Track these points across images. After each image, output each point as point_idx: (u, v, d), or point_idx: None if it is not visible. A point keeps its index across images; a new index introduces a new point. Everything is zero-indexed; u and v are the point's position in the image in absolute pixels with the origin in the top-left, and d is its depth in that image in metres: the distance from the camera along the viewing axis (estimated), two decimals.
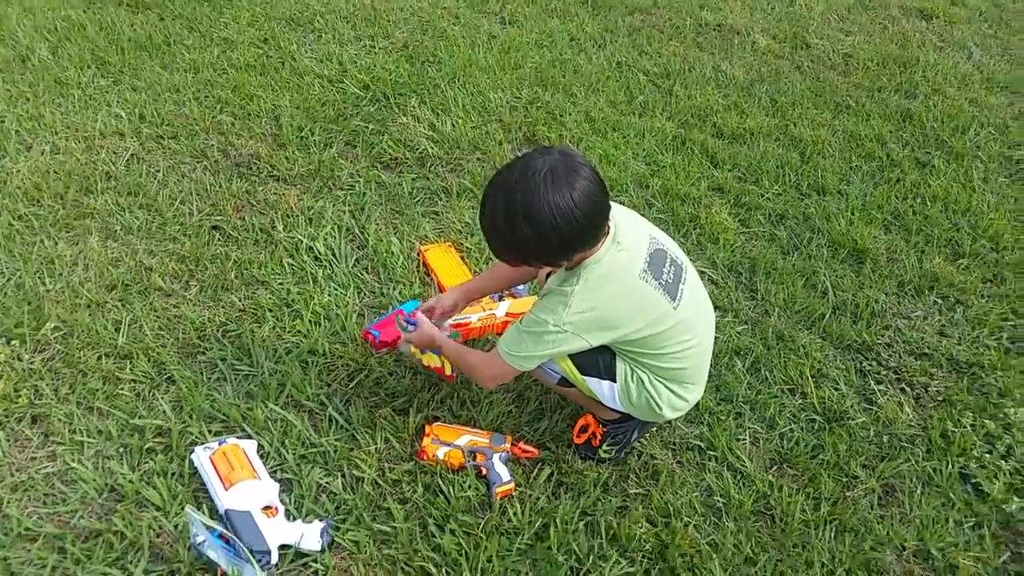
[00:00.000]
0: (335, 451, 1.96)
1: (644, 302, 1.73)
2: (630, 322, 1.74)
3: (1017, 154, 3.48)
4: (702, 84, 3.78)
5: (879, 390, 2.32)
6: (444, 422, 2.05)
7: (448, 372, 2.13)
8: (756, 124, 3.50)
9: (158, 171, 2.82)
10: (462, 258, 2.60)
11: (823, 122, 3.58)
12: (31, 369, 2.09)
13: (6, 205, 2.59)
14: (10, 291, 2.30)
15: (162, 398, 2.04)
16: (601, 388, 1.89)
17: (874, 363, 2.41)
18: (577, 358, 1.85)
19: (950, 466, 2.11)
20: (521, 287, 2.48)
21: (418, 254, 2.60)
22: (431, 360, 2.13)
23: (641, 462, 2.03)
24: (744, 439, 2.13)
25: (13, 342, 2.14)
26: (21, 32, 3.48)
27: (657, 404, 1.86)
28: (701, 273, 2.66)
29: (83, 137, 2.94)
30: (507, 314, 2.35)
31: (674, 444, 2.10)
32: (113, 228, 2.56)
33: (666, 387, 1.86)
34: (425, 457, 1.95)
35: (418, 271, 2.54)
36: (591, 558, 1.81)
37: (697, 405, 2.18)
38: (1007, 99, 3.94)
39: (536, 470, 1.99)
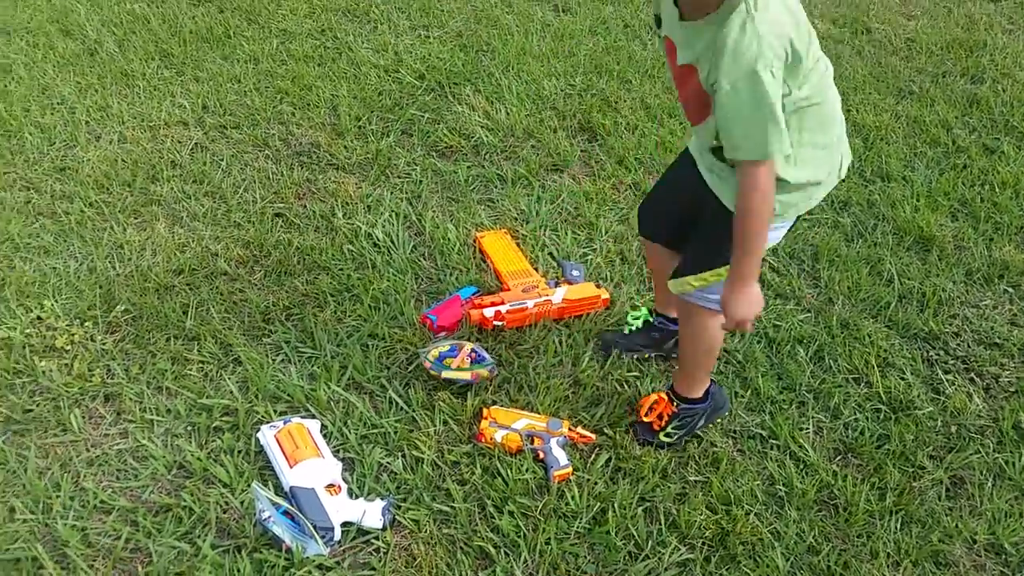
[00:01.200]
0: (395, 432, 1.98)
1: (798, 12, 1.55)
2: (799, 39, 1.51)
3: None
4: None
5: (947, 380, 2.26)
6: (502, 406, 2.06)
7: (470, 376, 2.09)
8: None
9: (222, 160, 2.88)
10: (518, 245, 2.60)
11: (886, 107, 3.49)
12: (103, 350, 2.15)
13: (78, 192, 2.67)
14: (83, 275, 2.37)
15: (229, 379, 2.08)
16: None
17: (942, 352, 2.35)
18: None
19: (1022, 459, 2.04)
20: (577, 273, 2.48)
21: (474, 241, 2.61)
22: (454, 374, 2.08)
23: (700, 449, 2.01)
24: (807, 428, 2.10)
25: (86, 324, 2.22)
26: (89, 26, 3.59)
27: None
28: (763, 260, 2.62)
29: (149, 126, 3.02)
30: (564, 300, 2.35)
31: (734, 432, 2.07)
32: (179, 215, 2.62)
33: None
34: (483, 440, 1.96)
35: (474, 257, 2.55)
36: (650, 543, 1.81)
37: (758, 393, 2.16)
38: None
39: (593, 455, 1.99)
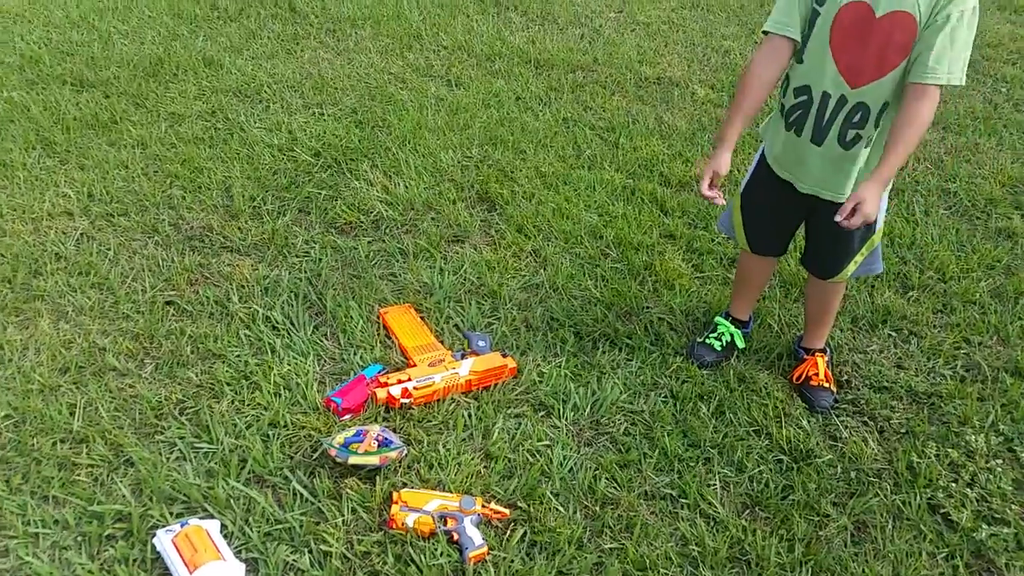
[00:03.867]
0: (301, 526, 1.91)
1: None
2: None
3: (952, 186, 3.62)
4: (646, 136, 3.87)
5: (842, 425, 2.35)
6: (412, 487, 2.02)
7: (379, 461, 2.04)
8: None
9: (109, 249, 2.78)
10: (422, 318, 2.59)
11: None
12: None
13: None
14: None
15: (121, 481, 1.97)
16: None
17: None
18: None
19: (918, 498, 2.13)
20: (483, 343, 2.48)
21: (378, 317, 2.58)
22: (361, 459, 2.03)
23: (615, 515, 2.02)
24: (715, 484, 2.13)
25: None
26: None
27: None
28: (660, 319, 2.69)
29: (30, 218, 2.90)
30: (471, 371, 2.34)
31: (646, 494, 2.09)
32: (65, 309, 2.50)
33: None
34: (394, 526, 1.91)
35: (379, 334, 2.52)
36: None
37: (666, 452, 2.19)
38: (939, 134, 4.10)
39: (509, 531, 1.96)
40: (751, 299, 2.63)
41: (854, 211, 1.93)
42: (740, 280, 2.62)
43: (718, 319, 2.61)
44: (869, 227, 2.20)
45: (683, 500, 2.08)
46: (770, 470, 2.19)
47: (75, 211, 2.95)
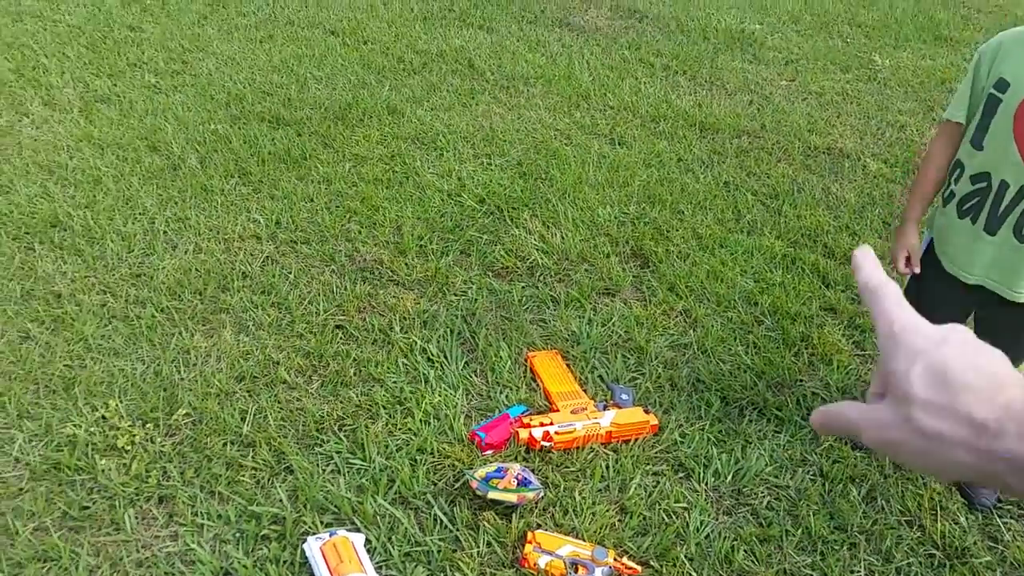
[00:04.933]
0: (439, 551, 1.98)
1: None
2: None
3: None
4: (812, 205, 3.80)
5: (1004, 526, 2.18)
6: (546, 530, 2.05)
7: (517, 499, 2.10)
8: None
9: (290, 273, 3.02)
10: (568, 366, 2.65)
11: None
12: (161, 451, 2.22)
13: (151, 298, 2.82)
14: (149, 377, 2.48)
15: (280, 487, 2.12)
16: None
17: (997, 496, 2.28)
18: None
19: None
20: (626, 397, 2.50)
21: (525, 360, 2.66)
22: (499, 495, 2.09)
23: None
24: (859, 571, 2.03)
25: (148, 425, 2.30)
26: (175, 144, 3.86)
27: None
28: (814, 394, 2.61)
29: (223, 239, 3.20)
30: (612, 423, 2.36)
31: (786, 572, 2.02)
32: (246, 323, 2.74)
33: None
34: (527, 565, 1.95)
35: (525, 376, 2.60)
36: None
37: (810, 532, 2.11)
38: None
39: None
40: None
41: None
42: None
43: None
44: None
45: None
46: (920, 563, 2.06)
47: (263, 236, 3.24)
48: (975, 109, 1.99)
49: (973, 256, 2.07)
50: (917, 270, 2.19)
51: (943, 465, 0.52)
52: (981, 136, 1.98)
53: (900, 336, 0.54)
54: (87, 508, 2.05)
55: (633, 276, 3.18)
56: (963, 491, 2.26)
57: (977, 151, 2.00)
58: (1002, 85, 1.92)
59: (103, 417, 2.32)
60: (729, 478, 2.28)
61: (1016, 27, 1.94)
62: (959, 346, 0.52)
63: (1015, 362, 2.17)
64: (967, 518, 2.19)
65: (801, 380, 2.69)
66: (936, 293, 2.23)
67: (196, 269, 3.00)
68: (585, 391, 2.54)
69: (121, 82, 4.43)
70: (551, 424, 2.32)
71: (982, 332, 2.24)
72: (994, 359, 0.52)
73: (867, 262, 0.60)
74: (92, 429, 2.27)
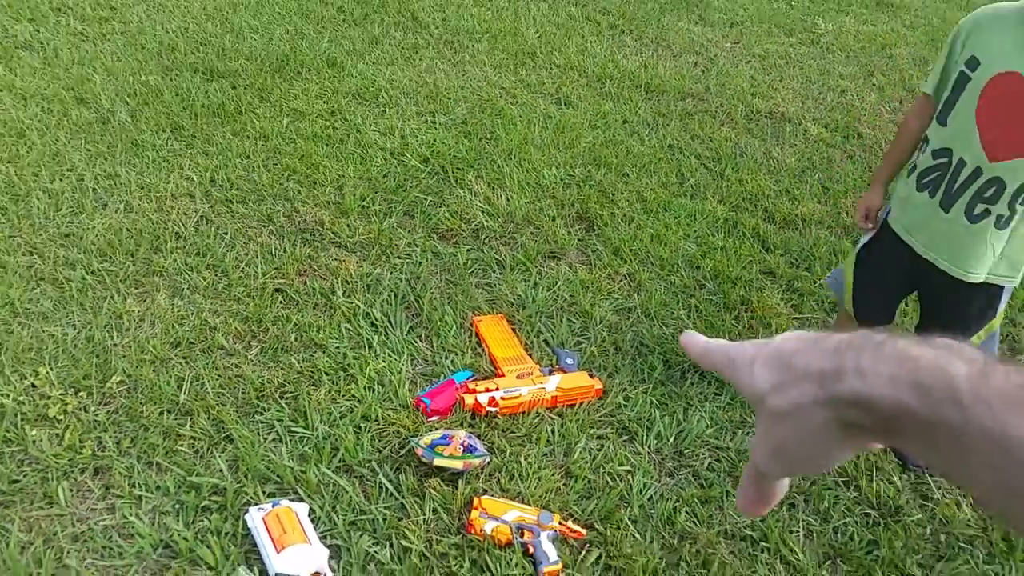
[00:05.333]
0: (384, 519, 1.97)
1: None
2: None
3: None
4: (753, 169, 3.83)
5: (935, 485, 2.27)
6: (492, 495, 2.06)
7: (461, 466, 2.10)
8: (808, 211, 3.53)
9: (226, 234, 2.92)
10: (513, 330, 2.63)
11: None
12: (96, 421, 2.15)
13: (80, 260, 2.70)
14: (80, 344, 2.38)
15: (220, 456, 2.08)
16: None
17: None
18: None
19: (1014, 571, 2.04)
20: (571, 361, 2.51)
21: (471, 324, 2.64)
22: (445, 462, 2.08)
23: (693, 551, 2.01)
24: (798, 531, 2.10)
25: (80, 393, 2.21)
26: (104, 96, 3.68)
27: None
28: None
29: (155, 197, 3.07)
30: (558, 388, 2.37)
31: (727, 533, 2.07)
32: (180, 287, 2.65)
33: None
34: (473, 531, 1.95)
35: (470, 341, 2.58)
36: None
37: None
38: None
39: (584, 552, 1.97)
40: None
41: None
42: None
43: None
44: (991, 308, 2.11)
45: (764, 544, 2.05)
46: (856, 523, 2.14)
47: (197, 194, 3.12)
48: (946, 84, 1.99)
49: (928, 230, 2.08)
50: (873, 226, 2.24)
51: (821, 440, 0.52)
52: (947, 112, 1.97)
53: (736, 359, 0.57)
54: (17, 481, 1.97)
55: (578, 239, 3.17)
56: (896, 451, 2.35)
57: (941, 127, 1.99)
58: (972, 63, 1.90)
59: (32, 385, 2.22)
60: (671, 440, 2.32)
61: (993, 3, 1.92)
62: (785, 336, 0.55)
63: (967, 335, 2.21)
64: (900, 478, 2.28)
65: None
66: (885, 266, 2.27)
67: (127, 229, 2.88)
68: (531, 356, 2.53)
69: (44, 28, 4.18)
70: (497, 389, 2.32)
71: (926, 311, 2.27)
72: (820, 332, 0.54)
73: (691, 341, 0.64)
74: (21, 398, 2.17)
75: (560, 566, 1.90)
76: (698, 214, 3.41)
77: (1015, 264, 2.02)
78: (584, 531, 2.00)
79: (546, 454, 2.22)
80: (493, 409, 2.30)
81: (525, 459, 2.18)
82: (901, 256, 2.15)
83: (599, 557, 1.96)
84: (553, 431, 2.29)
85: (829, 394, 0.50)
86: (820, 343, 0.52)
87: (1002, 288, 2.06)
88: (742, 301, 2.92)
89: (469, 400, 2.29)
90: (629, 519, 2.06)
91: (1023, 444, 0.41)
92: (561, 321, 2.72)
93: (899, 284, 2.30)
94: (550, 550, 1.92)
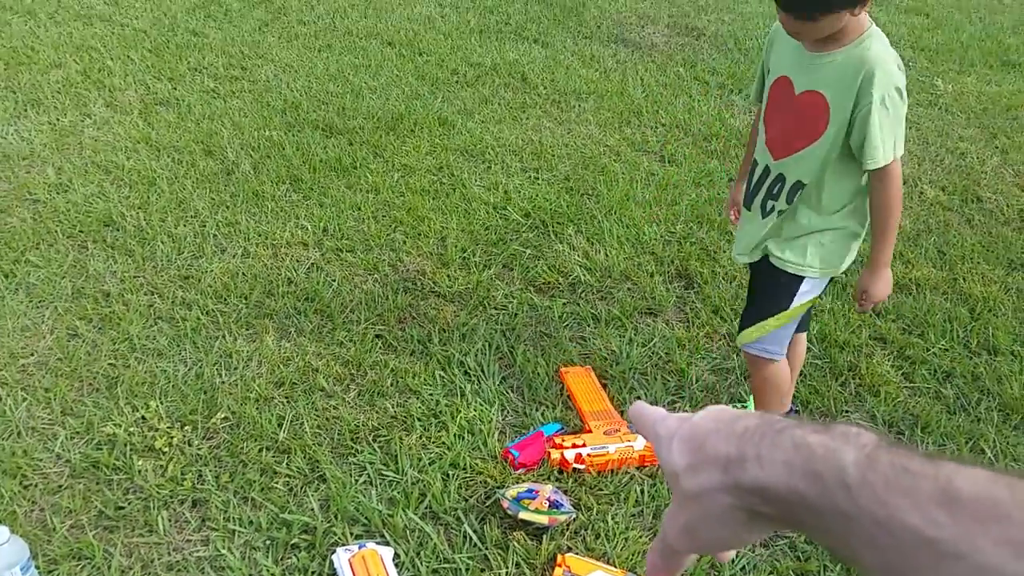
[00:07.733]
0: (467, 570, 1.96)
1: None
2: None
3: None
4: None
5: None
6: (577, 554, 2.02)
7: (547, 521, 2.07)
8: (922, 275, 3.37)
9: (334, 280, 3.05)
10: (603, 385, 2.61)
11: (995, 279, 3.40)
12: (198, 455, 2.25)
13: (197, 301, 2.87)
14: (190, 380, 2.51)
15: (312, 495, 2.13)
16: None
17: None
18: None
19: None
20: None
21: (557, 374, 2.63)
22: (530, 516, 2.06)
23: None
24: None
25: (186, 427, 2.33)
26: (230, 148, 3.94)
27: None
28: (859, 426, 2.53)
29: (271, 244, 3.24)
30: (646, 447, 2.32)
31: None
32: (288, 329, 2.77)
33: None
34: None
35: (561, 394, 2.57)
36: None
37: (848, 568, 2.04)
38: None
39: None
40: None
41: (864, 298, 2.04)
42: None
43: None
44: (787, 296, 2.10)
45: None
46: None
47: (310, 242, 3.27)
48: (760, 93, 2.14)
49: (742, 231, 2.21)
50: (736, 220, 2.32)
51: (728, 524, 0.52)
52: (758, 119, 2.12)
53: (658, 431, 0.59)
54: (122, 508, 2.08)
55: (677, 296, 3.13)
56: None
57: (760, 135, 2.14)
58: (765, 70, 2.08)
59: (143, 417, 2.36)
60: None
61: None
62: (706, 412, 0.56)
63: (751, 320, 2.17)
64: None
65: (847, 411, 2.61)
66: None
67: (243, 273, 3.05)
68: (621, 412, 2.50)
69: (181, 86, 4.54)
70: (584, 446, 2.29)
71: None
72: (739, 410, 0.55)
73: (633, 408, 0.66)
74: (132, 429, 2.31)
75: None
76: None
77: (800, 253, 2.05)
78: None
79: (634, 514, 2.17)
80: (580, 466, 2.27)
81: (612, 518, 2.13)
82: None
83: None
84: (643, 491, 2.24)
85: (732, 481, 0.50)
86: (732, 425, 0.52)
87: (800, 278, 2.07)
88: (849, 367, 2.80)
89: (556, 455, 2.28)
90: None
91: (904, 526, 0.43)
92: (655, 379, 2.68)
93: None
94: None
